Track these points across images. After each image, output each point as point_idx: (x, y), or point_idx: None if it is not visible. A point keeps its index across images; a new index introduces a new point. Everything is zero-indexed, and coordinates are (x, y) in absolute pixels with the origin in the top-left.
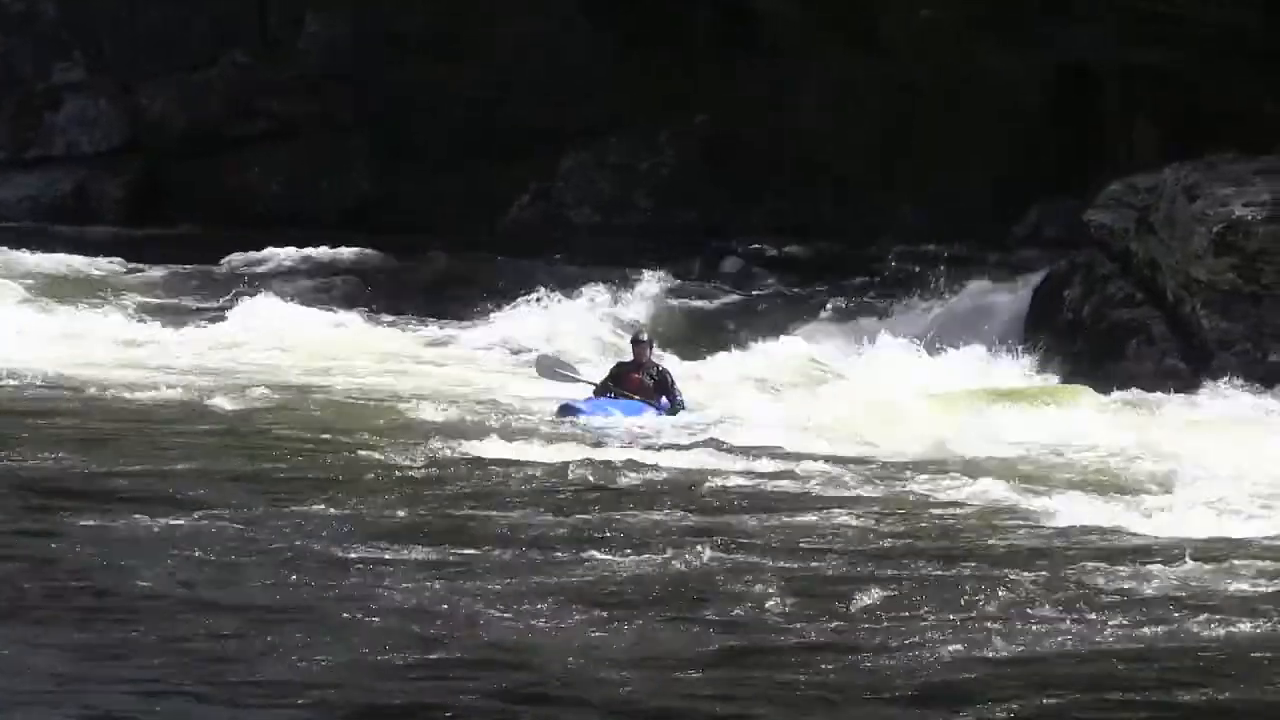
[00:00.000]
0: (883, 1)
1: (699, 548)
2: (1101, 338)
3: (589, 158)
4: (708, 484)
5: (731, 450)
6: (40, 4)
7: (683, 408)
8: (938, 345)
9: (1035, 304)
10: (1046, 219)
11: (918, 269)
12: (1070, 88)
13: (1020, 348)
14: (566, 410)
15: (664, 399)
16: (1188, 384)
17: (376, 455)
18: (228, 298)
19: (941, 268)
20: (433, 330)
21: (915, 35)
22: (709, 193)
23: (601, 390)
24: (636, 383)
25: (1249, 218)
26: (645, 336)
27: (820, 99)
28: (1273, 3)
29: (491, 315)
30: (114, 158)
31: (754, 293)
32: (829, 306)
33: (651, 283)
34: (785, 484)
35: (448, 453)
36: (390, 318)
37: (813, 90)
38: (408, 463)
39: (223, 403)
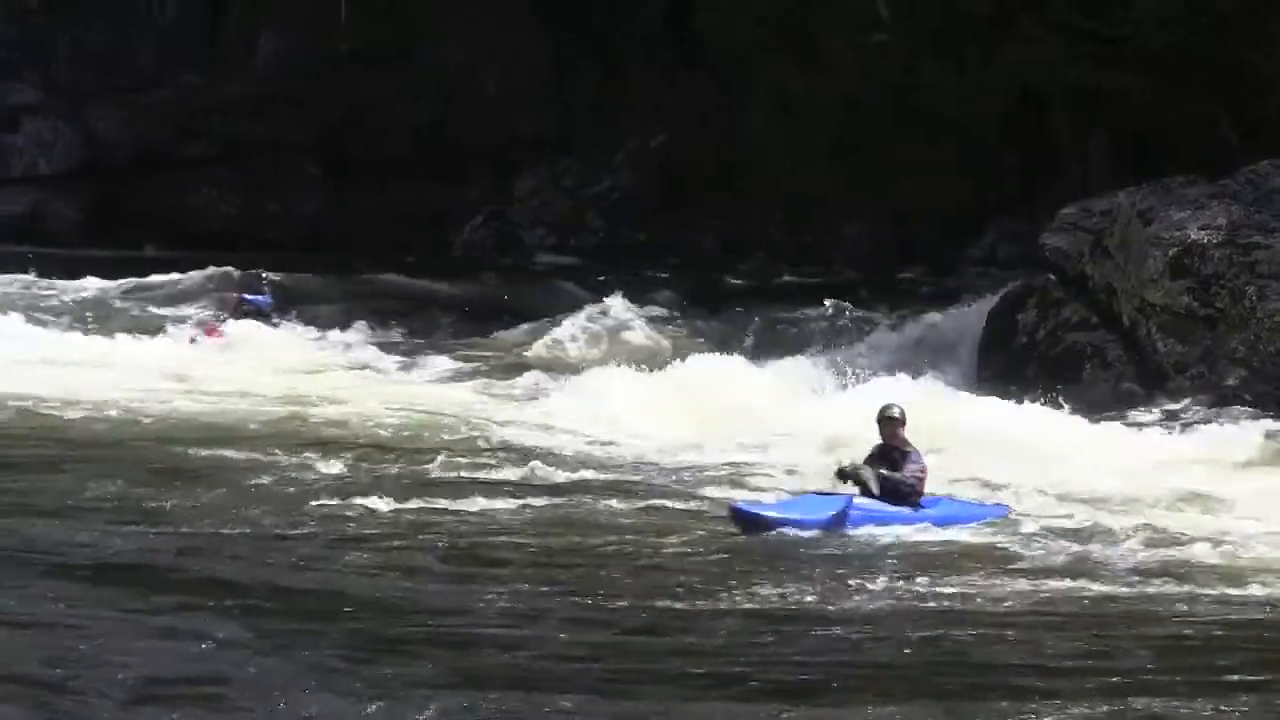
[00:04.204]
0: (830, 24)
1: None
2: (1056, 361)
3: (544, 179)
4: None
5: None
6: None
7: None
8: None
9: (989, 327)
10: (1001, 242)
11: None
12: (1021, 110)
13: (974, 373)
14: (746, 519)
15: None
16: (1145, 406)
17: None
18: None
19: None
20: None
21: (863, 57)
22: (661, 214)
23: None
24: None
25: (1204, 241)
26: (897, 412)
27: (769, 120)
28: (1217, 25)
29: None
30: (69, 179)
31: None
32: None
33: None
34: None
35: None
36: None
37: (762, 111)
38: None
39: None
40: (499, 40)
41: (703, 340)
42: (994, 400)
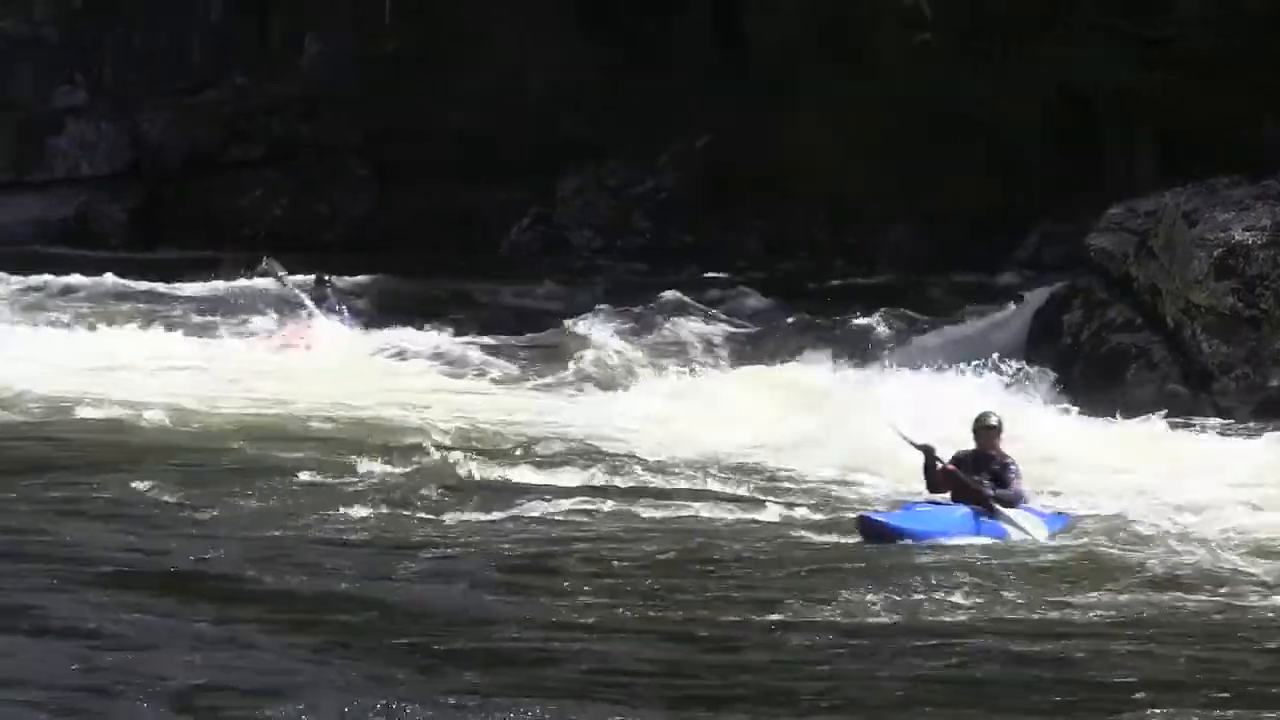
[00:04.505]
0: (874, 24)
1: None
2: (1101, 362)
3: (590, 180)
4: None
5: None
6: (41, 28)
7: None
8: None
9: (1034, 328)
10: (1046, 243)
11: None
12: (1063, 111)
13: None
14: (872, 528)
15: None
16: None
17: None
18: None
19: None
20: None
21: (907, 57)
22: (706, 215)
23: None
24: (960, 483)
25: (1248, 242)
26: (995, 420)
27: (814, 122)
28: (1262, 27)
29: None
30: (116, 181)
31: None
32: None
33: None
34: None
35: None
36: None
37: (806, 112)
38: None
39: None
40: (543, 41)
41: (761, 341)
42: (1042, 403)
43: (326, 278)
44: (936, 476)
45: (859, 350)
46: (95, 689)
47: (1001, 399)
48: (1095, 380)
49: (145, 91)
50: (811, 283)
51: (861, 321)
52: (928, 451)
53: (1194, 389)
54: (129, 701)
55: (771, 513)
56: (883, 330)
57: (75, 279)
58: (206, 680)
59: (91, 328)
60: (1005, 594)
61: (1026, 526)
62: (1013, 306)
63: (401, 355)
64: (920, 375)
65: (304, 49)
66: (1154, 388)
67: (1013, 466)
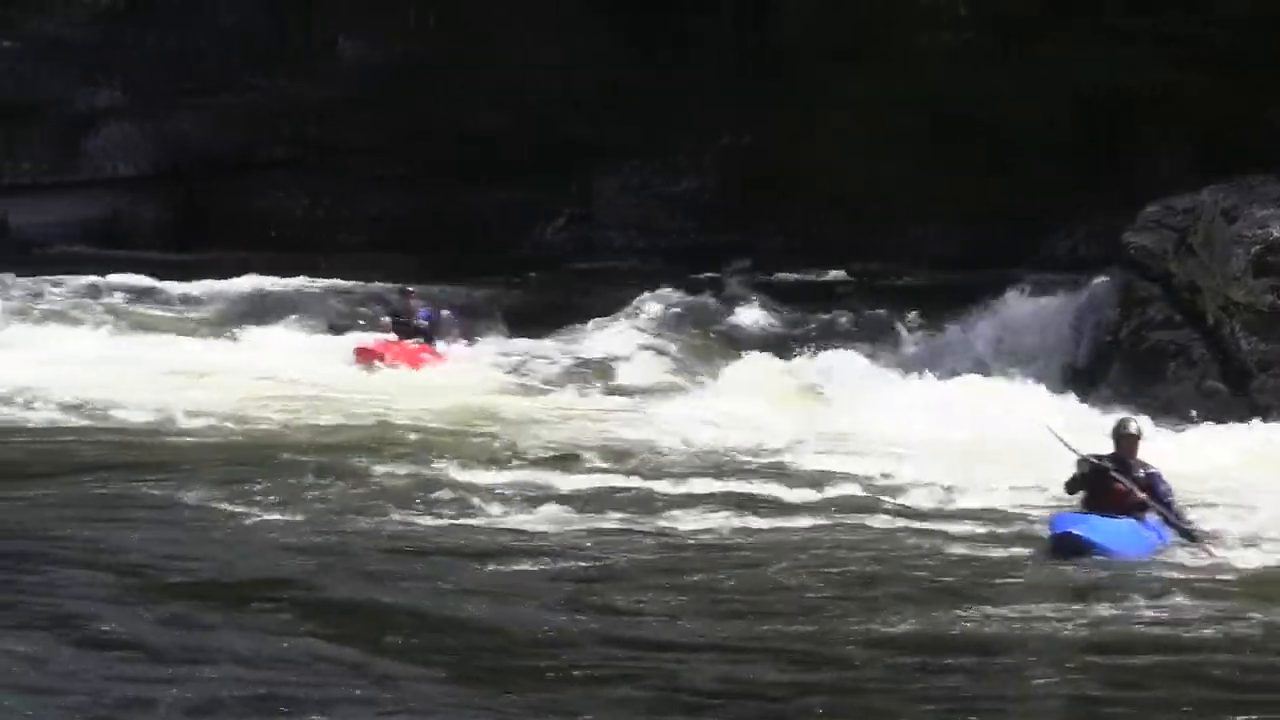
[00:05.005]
0: (905, 24)
1: None
2: (1141, 360)
3: (623, 180)
4: None
5: None
6: (74, 30)
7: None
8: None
9: (1073, 326)
10: (1082, 240)
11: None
12: (1097, 109)
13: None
14: (1069, 543)
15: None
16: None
17: None
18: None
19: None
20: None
21: (939, 57)
22: (739, 214)
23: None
24: (1120, 493)
25: None
26: (1135, 429)
27: (844, 121)
28: None
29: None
30: (150, 182)
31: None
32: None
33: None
34: None
35: None
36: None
37: (838, 111)
38: None
39: None
40: (577, 41)
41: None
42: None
43: (410, 289)
44: (1090, 484)
45: (887, 348)
46: (140, 701)
47: (1054, 403)
48: (1134, 377)
49: (179, 93)
50: (842, 282)
51: (889, 319)
52: (1091, 461)
53: (1233, 386)
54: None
55: (879, 519)
56: (915, 330)
57: (115, 279)
58: (266, 692)
59: (132, 331)
60: (1183, 606)
61: (1195, 537)
62: (1045, 302)
63: (467, 360)
64: (963, 377)
65: (336, 51)
66: (1192, 385)
67: (1158, 474)
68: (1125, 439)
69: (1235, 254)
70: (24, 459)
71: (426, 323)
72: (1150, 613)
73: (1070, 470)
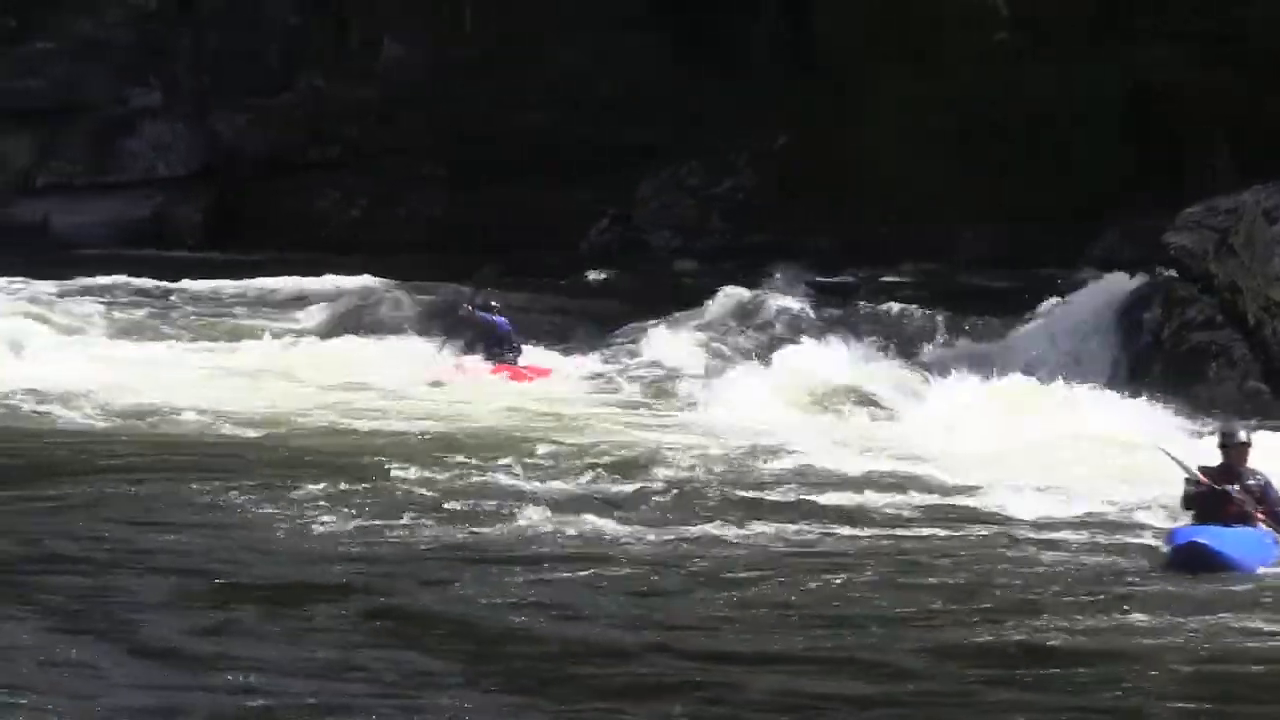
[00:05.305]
0: (948, 23)
1: None
2: (1182, 360)
3: (666, 181)
4: None
5: None
6: (115, 29)
7: None
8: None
9: (1116, 326)
10: (1122, 241)
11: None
12: (1137, 109)
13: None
14: (1194, 554)
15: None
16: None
17: None
18: None
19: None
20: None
21: (981, 56)
22: (782, 215)
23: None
24: (1234, 507)
25: None
26: (1244, 435)
27: (888, 120)
28: None
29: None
30: (191, 183)
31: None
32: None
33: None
34: None
35: None
36: None
37: (880, 111)
38: None
39: None
40: (619, 42)
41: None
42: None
43: (493, 304)
44: (1208, 503)
45: (936, 350)
46: (183, 709)
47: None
48: (1175, 378)
49: (220, 93)
50: (890, 284)
51: (936, 321)
52: (1205, 483)
53: (1275, 386)
54: None
55: (952, 526)
56: (963, 333)
57: (152, 283)
58: (315, 701)
59: (176, 332)
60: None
61: None
62: (1090, 303)
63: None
64: (1011, 377)
65: (380, 51)
66: (1234, 385)
67: (1272, 484)
68: (1235, 448)
69: (1277, 254)
70: (67, 460)
71: (484, 321)
72: (1269, 626)
73: (1180, 485)
